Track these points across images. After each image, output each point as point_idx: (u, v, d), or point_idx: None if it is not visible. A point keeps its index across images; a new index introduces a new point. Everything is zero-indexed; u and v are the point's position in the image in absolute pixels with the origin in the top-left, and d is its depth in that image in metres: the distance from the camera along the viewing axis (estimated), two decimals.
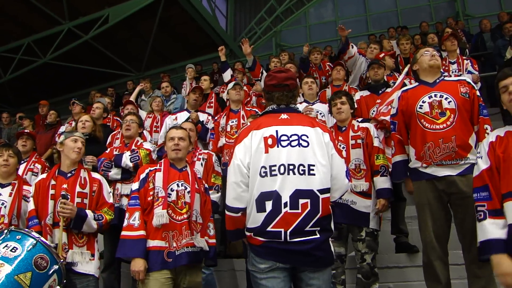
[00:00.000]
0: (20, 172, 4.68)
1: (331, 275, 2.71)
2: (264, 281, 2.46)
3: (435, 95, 3.36)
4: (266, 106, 2.79)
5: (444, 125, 3.25)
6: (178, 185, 3.12)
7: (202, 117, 5.45)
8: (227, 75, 6.42)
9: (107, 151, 4.61)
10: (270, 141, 2.50)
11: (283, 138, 2.51)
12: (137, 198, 3.08)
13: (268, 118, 2.64)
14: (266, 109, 2.74)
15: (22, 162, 4.82)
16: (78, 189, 3.34)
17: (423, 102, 3.38)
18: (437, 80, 3.46)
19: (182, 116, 5.45)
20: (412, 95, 3.49)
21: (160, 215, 2.96)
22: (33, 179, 4.55)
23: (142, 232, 2.98)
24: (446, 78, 3.53)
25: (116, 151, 4.58)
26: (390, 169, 3.75)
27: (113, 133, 5.65)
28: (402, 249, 4.26)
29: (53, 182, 3.33)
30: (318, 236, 2.40)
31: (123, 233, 3.03)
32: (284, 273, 2.46)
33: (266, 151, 2.48)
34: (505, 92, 2.52)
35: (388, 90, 4.66)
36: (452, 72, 5.40)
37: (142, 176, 3.17)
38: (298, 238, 2.37)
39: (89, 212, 3.27)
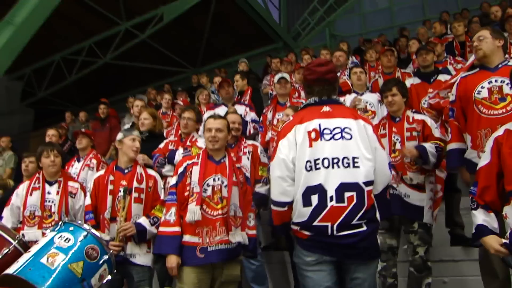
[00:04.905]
0: (78, 168, 4.95)
1: (376, 269, 2.68)
2: (310, 273, 2.47)
3: (496, 81, 3.16)
4: (307, 98, 2.79)
5: (504, 110, 3.07)
6: (214, 180, 3.08)
7: (240, 109, 5.32)
8: None
9: (161, 146, 4.72)
10: (313, 135, 2.50)
11: (326, 131, 2.51)
12: (174, 194, 3.10)
13: (310, 111, 2.63)
14: (308, 102, 2.73)
15: (81, 159, 5.09)
16: (135, 184, 3.46)
17: (482, 87, 3.20)
18: (499, 65, 3.23)
19: (220, 110, 5.33)
20: (471, 80, 3.31)
21: (193, 211, 2.95)
22: (90, 174, 4.77)
23: (177, 229, 3.00)
24: (510, 63, 3.26)
25: (171, 145, 4.67)
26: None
27: (168, 129, 5.83)
28: (458, 242, 4.09)
29: (111, 177, 3.47)
30: (364, 228, 2.40)
31: (160, 228, 3.11)
32: (330, 267, 2.46)
33: (310, 145, 2.48)
34: None
35: (440, 77, 4.47)
36: None
37: (180, 170, 3.17)
38: (345, 231, 2.36)
39: (144, 222, 3.37)
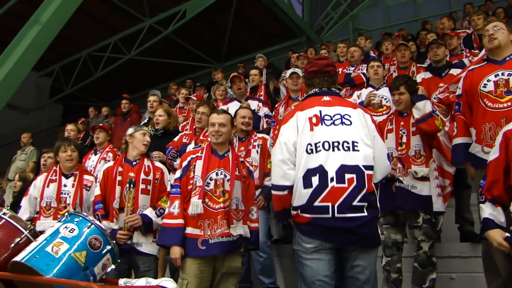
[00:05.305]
0: (94, 161, 5.12)
1: (376, 257, 2.72)
2: (309, 262, 2.53)
3: (503, 74, 3.13)
4: (307, 92, 2.89)
5: (509, 103, 3.03)
6: (217, 174, 3.12)
7: (253, 105, 5.40)
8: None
9: (176, 139, 4.84)
10: (314, 120, 2.61)
11: (327, 117, 2.62)
12: (178, 187, 3.15)
13: (311, 101, 2.74)
14: (309, 93, 2.84)
15: (98, 152, 5.26)
16: (142, 176, 3.58)
17: (488, 80, 3.17)
18: (507, 58, 3.19)
19: (233, 106, 5.47)
20: (477, 74, 3.28)
21: (195, 205, 3.00)
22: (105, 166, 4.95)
23: (180, 221, 3.05)
24: None
25: (185, 138, 4.79)
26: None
27: (183, 124, 5.94)
28: (467, 238, 4.04)
29: (120, 169, 3.59)
30: (365, 214, 2.45)
31: (164, 221, 3.16)
32: (329, 256, 2.52)
33: (311, 129, 2.58)
34: None
35: (452, 71, 4.40)
36: None
37: (184, 164, 3.22)
38: (346, 214, 2.42)
39: (151, 214, 3.47)
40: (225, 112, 3.43)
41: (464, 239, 4.09)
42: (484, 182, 2.56)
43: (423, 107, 3.51)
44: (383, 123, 3.83)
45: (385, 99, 4.82)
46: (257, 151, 4.31)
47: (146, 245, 3.46)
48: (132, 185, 3.44)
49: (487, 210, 2.48)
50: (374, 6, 15.29)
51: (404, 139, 3.65)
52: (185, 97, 6.92)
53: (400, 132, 3.69)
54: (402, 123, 3.72)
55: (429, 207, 3.49)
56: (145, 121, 6.95)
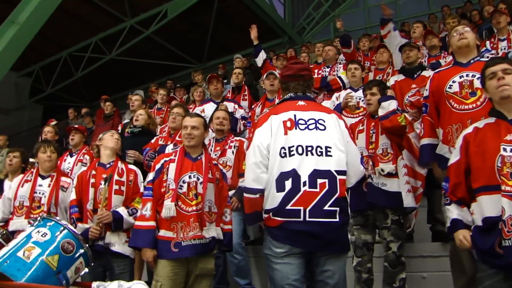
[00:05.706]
0: (71, 163, 5.09)
1: (346, 262, 2.75)
2: (278, 266, 2.54)
3: (467, 75, 3.23)
4: (283, 96, 2.92)
5: (474, 105, 3.13)
6: (190, 177, 3.14)
7: (229, 107, 5.42)
8: (259, 60, 6.23)
9: (152, 141, 4.87)
10: (288, 124, 2.63)
11: (301, 122, 2.65)
12: (150, 189, 3.17)
13: (286, 105, 2.77)
14: (284, 97, 2.87)
15: (73, 154, 5.23)
16: (116, 177, 3.61)
17: (453, 82, 3.27)
18: (472, 61, 3.30)
19: (209, 106, 5.51)
20: (443, 75, 3.39)
21: (168, 208, 3.02)
22: (83, 169, 4.92)
23: (152, 223, 3.07)
24: (482, 59, 3.34)
25: (161, 140, 4.82)
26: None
27: (162, 126, 5.95)
28: (439, 238, 4.10)
29: (93, 172, 3.63)
30: (336, 219, 2.49)
31: (136, 223, 3.18)
32: (299, 260, 2.54)
33: (285, 133, 2.61)
34: (493, 78, 2.45)
35: (424, 73, 4.48)
36: (501, 49, 5.06)
37: (158, 166, 3.24)
38: (317, 218, 2.45)
39: (122, 212, 3.50)
40: (198, 115, 3.47)
41: (435, 238, 4.16)
42: (447, 185, 2.62)
43: (387, 106, 3.58)
44: (355, 125, 3.91)
45: (362, 100, 4.88)
46: (232, 152, 4.37)
47: (119, 245, 3.46)
48: (107, 182, 3.47)
49: (455, 211, 2.54)
50: (355, 7, 15.44)
51: (374, 138, 3.72)
52: (168, 98, 6.95)
53: (370, 132, 3.76)
54: (373, 123, 3.78)
55: (399, 203, 3.54)
56: (126, 121, 6.93)
